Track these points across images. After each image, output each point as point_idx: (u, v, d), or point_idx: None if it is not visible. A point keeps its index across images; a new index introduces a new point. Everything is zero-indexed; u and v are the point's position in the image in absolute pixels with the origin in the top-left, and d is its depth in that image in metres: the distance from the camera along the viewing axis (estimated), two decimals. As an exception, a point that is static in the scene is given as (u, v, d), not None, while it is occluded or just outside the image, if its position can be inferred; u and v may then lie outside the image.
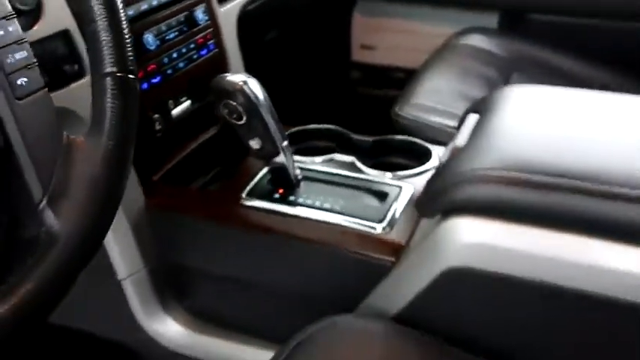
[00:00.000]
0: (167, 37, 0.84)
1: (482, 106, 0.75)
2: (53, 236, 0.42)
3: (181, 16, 0.86)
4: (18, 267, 0.42)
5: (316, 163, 0.84)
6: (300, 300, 0.76)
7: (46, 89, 0.45)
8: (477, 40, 1.33)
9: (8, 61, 0.42)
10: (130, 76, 0.48)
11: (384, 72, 1.66)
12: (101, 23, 0.47)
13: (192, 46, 0.88)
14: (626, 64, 1.25)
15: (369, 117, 1.15)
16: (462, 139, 0.69)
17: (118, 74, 0.47)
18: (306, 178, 0.80)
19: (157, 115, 0.83)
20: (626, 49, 1.30)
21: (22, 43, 0.44)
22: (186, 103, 0.89)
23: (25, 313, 0.40)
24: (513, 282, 0.57)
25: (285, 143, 0.77)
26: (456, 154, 0.66)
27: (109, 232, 0.79)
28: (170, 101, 0.87)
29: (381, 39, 1.67)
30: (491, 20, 1.50)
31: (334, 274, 0.72)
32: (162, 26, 0.83)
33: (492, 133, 0.67)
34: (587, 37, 1.37)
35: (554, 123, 0.68)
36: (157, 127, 0.84)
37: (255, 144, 0.76)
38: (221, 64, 0.95)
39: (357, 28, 1.70)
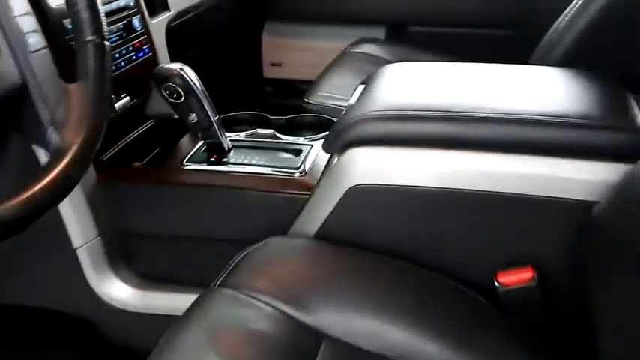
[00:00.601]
0: (110, 40, 1.00)
1: (368, 79, 0.98)
2: (59, 150, 0.58)
3: (121, 24, 1.03)
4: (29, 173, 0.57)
5: (242, 136, 1.03)
6: (239, 244, 0.93)
7: (48, 49, 0.61)
8: (368, 49, 1.59)
9: (23, 25, 0.58)
10: (106, 42, 0.65)
11: (290, 85, 1.90)
12: (82, 5, 0.64)
13: (130, 48, 1.05)
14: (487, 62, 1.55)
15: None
16: (353, 99, 0.91)
17: (97, 41, 0.64)
18: (235, 147, 0.99)
19: None
20: (487, 51, 1.60)
21: (31, 15, 0.61)
22: (126, 99, 1.06)
23: (48, 197, 0.55)
24: (400, 191, 0.78)
25: (217, 117, 0.95)
26: (349, 109, 0.88)
27: (65, 205, 0.93)
28: (112, 96, 1.03)
29: (287, 56, 1.92)
30: (380, 33, 1.80)
31: (266, 214, 0.91)
32: None
33: (375, 92, 0.89)
34: (457, 43, 1.68)
35: (421, 82, 0.91)
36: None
37: (192, 119, 0.94)
38: (155, 66, 1.12)
39: (266, 48, 1.94)
